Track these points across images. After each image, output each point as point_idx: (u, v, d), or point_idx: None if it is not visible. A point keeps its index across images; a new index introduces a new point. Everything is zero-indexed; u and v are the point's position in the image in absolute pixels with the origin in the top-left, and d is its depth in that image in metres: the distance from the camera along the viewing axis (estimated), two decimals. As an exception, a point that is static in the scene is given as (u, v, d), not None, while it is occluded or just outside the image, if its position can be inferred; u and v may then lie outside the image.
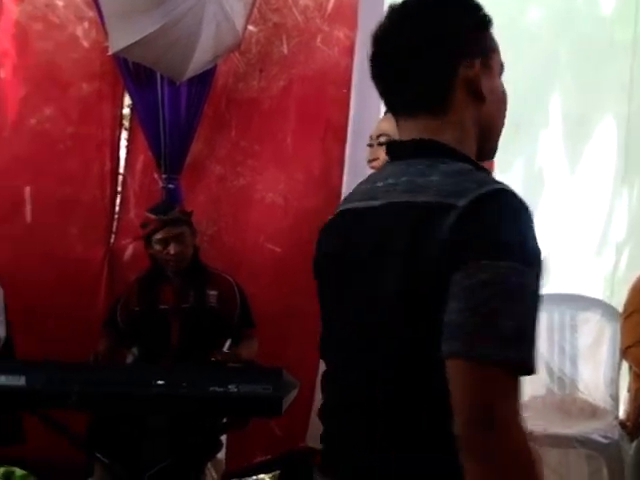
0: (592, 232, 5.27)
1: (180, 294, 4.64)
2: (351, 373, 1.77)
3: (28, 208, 5.20)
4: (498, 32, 1.86)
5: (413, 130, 1.81)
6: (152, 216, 4.65)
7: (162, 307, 4.63)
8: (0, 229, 5.22)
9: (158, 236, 4.61)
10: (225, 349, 4.45)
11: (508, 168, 5.20)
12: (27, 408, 4.24)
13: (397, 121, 1.86)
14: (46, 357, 4.30)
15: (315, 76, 5.12)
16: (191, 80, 4.92)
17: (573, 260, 5.24)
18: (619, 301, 4.69)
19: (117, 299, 4.82)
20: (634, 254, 5.21)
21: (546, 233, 5.27)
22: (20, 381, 3.96)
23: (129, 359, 4.79)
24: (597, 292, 5.18)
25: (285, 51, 5.25)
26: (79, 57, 5.19)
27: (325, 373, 1.88)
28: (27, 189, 5.20)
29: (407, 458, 1.69)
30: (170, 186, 5.05)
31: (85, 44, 5.21)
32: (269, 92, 5.18)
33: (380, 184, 1.79)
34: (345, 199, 1.90)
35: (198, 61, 4.74)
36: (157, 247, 4.62)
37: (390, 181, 1.77)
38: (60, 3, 5.19)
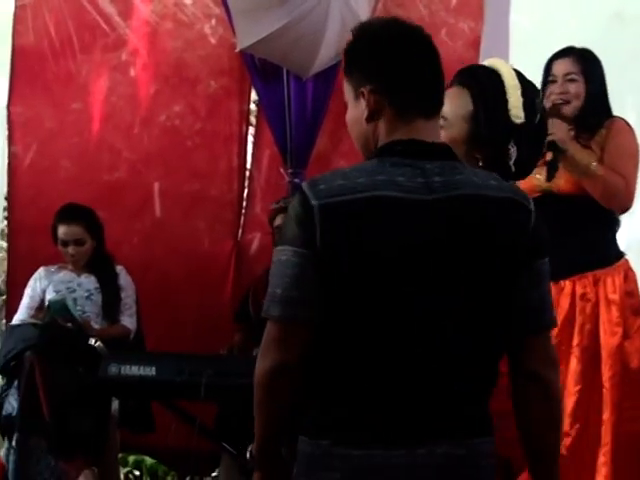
0: None
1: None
2: (427, 348, 1.98)
3: (157, 203, 5.31)
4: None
5: (432, 131, 2.08)
6: (274, 205, 4.72)
7: None
8: (130, 224, 5.34)
9: (275, 224, 4.65)
10: None
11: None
12: (157, 398, 4.34)
13: (414, 121, 2.06)
14: (173, 349, 4.40)
15: (440, 70, 5.10)
16: (317, 76, 4.95)
17: None
18: None
19: (247, 291, 4.87)
20: None
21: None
22: (151, 371, 4.06)
23: (256, 351, 4.84)
24: None
25: (410, 45, 5.24)
26: (207, 54, 5.28)
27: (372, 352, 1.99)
28: (156, 185, 5.31)
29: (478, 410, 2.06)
30: (296, 180, 5.09)
31: (213, 41, 5.30)
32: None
33: (420, 180, 1.99)
34: (355, 189, 1.99)
35: (324, 56, 4.77)
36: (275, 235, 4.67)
37: (437, 179, 2.00)
38: (188, 1, 5.29)
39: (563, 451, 3.74)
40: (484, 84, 2.62)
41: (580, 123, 3.89)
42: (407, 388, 1.98)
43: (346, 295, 1.97)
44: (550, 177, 3.75)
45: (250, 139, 5.42)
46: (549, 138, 3.59)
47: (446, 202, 1.97)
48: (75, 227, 4.80)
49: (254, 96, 5.36)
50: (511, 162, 2.59)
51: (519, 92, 2.56)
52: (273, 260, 2.02)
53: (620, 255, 3.93)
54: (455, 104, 2.61)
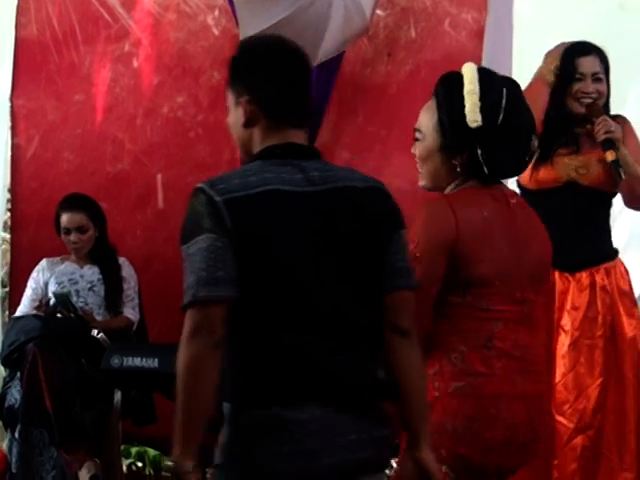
0: None
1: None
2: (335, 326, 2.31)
3: (160, 195, 5.31)
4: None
5: (302, 138, 2.42)
6: None
7: None
8: (133, 215, 5.34)
9: None
10: None
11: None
12: (160, 389, 4.34)
13: (285, 130, 2.39)
14: (176, 340, 4.39)
15: (443, 60, 5.06)
16: (320, 66, 4.93)
17: None
18: None
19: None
20: None
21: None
22: (153, 363, 4.06)
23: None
24: None
25: (413, 35, 5.22)
26: (210, 45, 5.27)
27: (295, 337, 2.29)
28: (159, 176, 5.30)
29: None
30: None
31: (216, 32, 5.29)
32: (396, 77, 5.16)
33: (300, 175, 2.34)
34: (245, 185, 2.30)
35: (327, 47, 4.76)
36: None
37: (315, 174, 2.35)
38: (191, -7, 5.29)
39: (587, 442, 3.84)
40: (445, 92, 2.76)
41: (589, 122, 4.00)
42: (308, 352, 2.28)
43: (255, 274, 2.26)
44: (619, 176, 3.80)
45: (253, 130, 5.41)
46: (609, 136, 3.74)
47: (326, 192, 2.35)
48: (78, 215, 4.81)
49: (257, 87, 5.34)
50: (483, 166, 2.68)
51: (476, 96, 2.65)
52: (189, 251, 2.26)
53: (617, 250, 4.04)
54: (426, 116, 2.81)
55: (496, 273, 2.67)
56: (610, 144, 3.83)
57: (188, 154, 5.33)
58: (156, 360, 4.07)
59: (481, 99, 2.66)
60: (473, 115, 2.66)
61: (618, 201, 4.86)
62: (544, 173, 3.95)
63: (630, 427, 3.96)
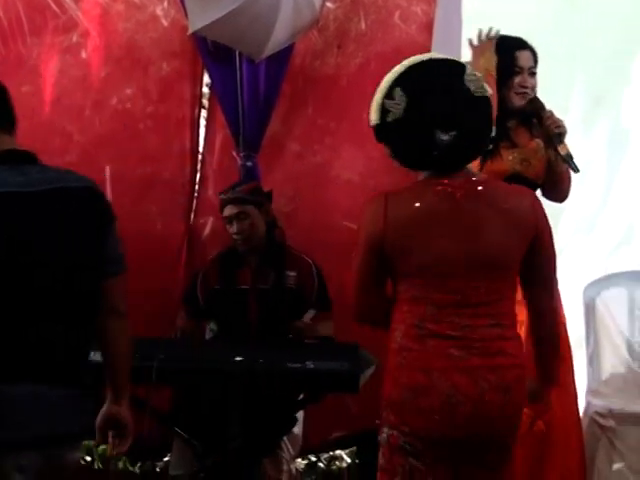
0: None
1: (258, 275, 4.67)
2: None
3: (109, 187, 5.27)
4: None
5: (11, 144, 2.80)
6: (221, 196, 4.72)
7: (241, 287, 4.67)
8: (82, 207, 5.30)
9: (224, 214, 4.66)
10: (305, 319, 4.47)
11: (590, 134, 5.15)
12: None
13: (2, 138, 2.79)
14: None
15: (393, 53, 5.08)
16: (269, 58, 4.93)
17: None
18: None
19: (195, 275, 4.86)
20: None
21: (629, 199, 5.23)
22: (98, 356, 4.03)
23: (208, 334, 4.84)
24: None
25: (363, 28, 5.23)
26: (159, 36, 5.23)
27: None
28: (108, 168, 5.26)
29: None
30: (248, 164, 5.08)
31: (165, 23, 5.24)
32: (346, 69, 5.17)
33: (23, 178, 2.70)
34: None
35: (277, 39, 4.75)
36: (227, 225, 4.68)
37: (37, 176, 2.72)
38: (140, -17, 5.24)
39: (544, 427, 3.93)
40: None
41: (525, 115, 4.12)
42: (19, 332, 2.63)
43: None
44: (576, 169, 3.85)
45: (202, 122, 5.39)
46: (560, 130, 3.80)
47: (47, 192, 2.70)
48: None
49: (207, 79, 5.32)
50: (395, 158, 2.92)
51: (380, 95, 2.86)
52: None
53: None
54: None
55: (427, 263, 2.86)
56: (561, 138, 3.88)
57: (137, 146, 5.30)
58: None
59: (384, 98, 2.84)
60: (373, 113, 2.88)
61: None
62: (491, 166, 4.01)
63: (571, 399, 4.11)
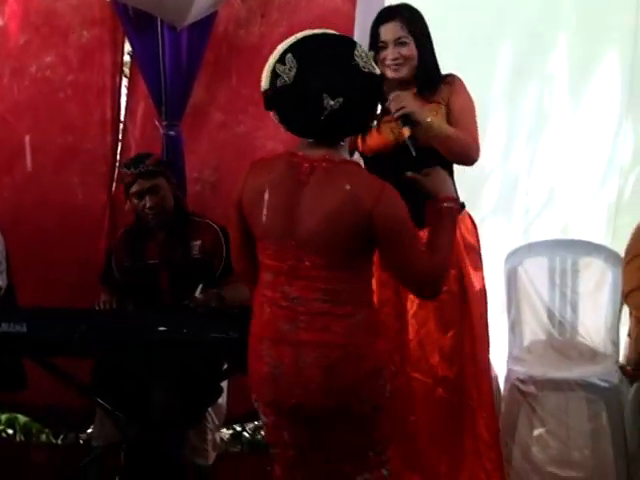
0: (595, 167, 5.27)
1: (165, 248, 4.63)
2: None
3: (29, 156, 5.20)
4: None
5: None
6: (126, 171, 4.63)
7: (150, 262, 4.63)
8: (0, 178, 5.22)
9: (133, 189, 4.59)
10: (197, 294, 4.40)
11: (514, 105, 5.19)
12: (29, 355, 4.26)
13: None
14: (48, 303, 4.32)
15: (316, 22, 4.99)
16: (192, 26, 4.88)
17: (577, 194, 5.25)
18: (621, 246, 4.69)
19: (109, 253, 4.83)
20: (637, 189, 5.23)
21: (551, 168, 5.28)
22: (22, 328, 3.98)
23: (130, 307, 4.80)
24: (599, 237, 5.18)
25: (287, -4, 5.20)
26: (79, 3, 5.14)
27: None
28: (27, 137, 5.19)
29: None
30: (171, 133, 5.04)
31: (84, -10, 5.16)
32: (270, 38, 5.12)
33: None
34: None
35: (199, 6, 4.70)
36: (134, 201, 4.60)
37: None
38: (58, -52, 5.14)
39: (446, 393, 4.00)
40: None
41: (421, 82, 4.08)
42: None
43: None
44: (411, 153, 3.78)
45: (124, 91, 5.32)
46: (401, 112, 3.77)
47: None
48: None
49: (128, 47, 5.25)
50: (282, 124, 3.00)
51: (272, 60, 2.94)
52: None
53: (464, 203, 4.04)
54: None
55: (265, 233, 2.99)
56: (406, 120, 3.83)
57: (57, 115, 5.22)
58: (24, 325, 3.98)
59: (276, 62, 2.92)
60: (264, 79, 2.96)
61: (490, 164, 4.96)
62: (371, 139, 4.04)
63: (482, 369, 4.12)
